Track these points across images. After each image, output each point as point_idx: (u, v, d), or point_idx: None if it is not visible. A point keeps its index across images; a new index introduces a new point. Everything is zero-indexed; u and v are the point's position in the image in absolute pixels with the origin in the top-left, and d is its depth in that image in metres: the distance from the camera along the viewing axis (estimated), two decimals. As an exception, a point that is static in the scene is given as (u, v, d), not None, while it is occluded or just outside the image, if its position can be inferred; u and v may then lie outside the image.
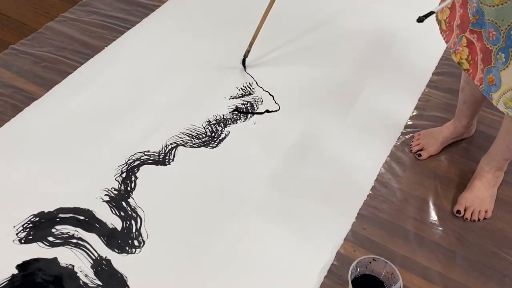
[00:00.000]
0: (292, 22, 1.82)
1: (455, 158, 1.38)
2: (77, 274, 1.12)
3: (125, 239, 1.19)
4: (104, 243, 1.18)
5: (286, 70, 1.64)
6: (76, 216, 1.24)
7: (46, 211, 1.24)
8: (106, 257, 1.16)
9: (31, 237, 1.19)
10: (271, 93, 1.56)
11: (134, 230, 1.21)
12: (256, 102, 1.54)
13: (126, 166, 1.35)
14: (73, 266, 1.14)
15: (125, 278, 1.12)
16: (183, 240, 1.20)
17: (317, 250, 1.18)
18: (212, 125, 1.46)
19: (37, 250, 1.16)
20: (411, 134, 1.44)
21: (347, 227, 1.22)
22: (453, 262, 1.16)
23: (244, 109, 1.51)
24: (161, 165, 1.36)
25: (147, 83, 1.60)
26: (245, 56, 1.63)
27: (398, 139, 1.44)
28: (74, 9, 1.90)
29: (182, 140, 1.42)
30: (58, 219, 1.23)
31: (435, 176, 1.34)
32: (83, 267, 1.14)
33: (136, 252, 1.17)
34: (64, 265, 1.14)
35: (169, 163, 1.36)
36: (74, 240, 1.19)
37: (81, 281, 1.11)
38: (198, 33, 1.79)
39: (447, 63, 1.66)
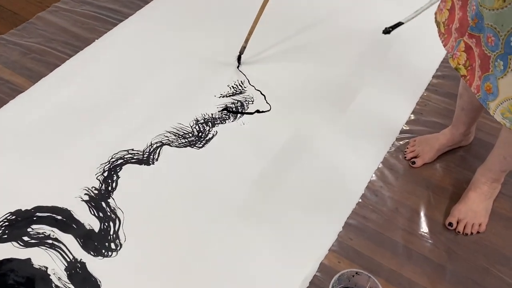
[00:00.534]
0: (290, 19, 1.76)
1: (451, 167, 1.32)
2: (50, 277, 1.09)
3: (101, 241, 1.15)
4: (80, 245, 1.15)
5: (279, 69, 1.59)
6: (54, 215, 1.20)
7: (23, 209, 1.21)
8: (81, 259, 1.12)
9: (6, 236, 1.15)
10: (263, 93, 1.51)
11: (111, 232, 1.17)
12: (246, 102, 1.49)
13: (109, 165, 1.31)
14: (46, 268, 1.10)
15: (99, 283, 1.08)
16: (162, 245, 1.15)
17: (301, 259, 1.13)
18: (199, 124, 1.42)
19: (11, 250, 1.13)
20: (407, 140, 1.38)
21: (333, 237, 1.17)
22: (442, 278, 1.10)
23: (234, 109, 1.46)
24: (144, 164, 1.32)
25: (135, 78, 1.55)
26: (241, 52, 1.58)
27: (392, 144, 1.38)
28: (67, -1, 1.86)
29: (168, 139, 1.38)
30: (35, 218, 1.20)
31: (428, 185, 1.28)
32: (56, 270, 1.10)
33: (112, 256, 1.13)
34: (38, 267, 1.10)
35: (153, 163, 1.32)
36: (50, 241, 1.15)
37: (53, 284, 1.08)
38: (192, 28, 1.73)
39: (448, 66, 1.59)
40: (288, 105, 1.48)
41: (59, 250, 1.14)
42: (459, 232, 1.18)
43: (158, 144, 1.36)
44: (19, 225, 1.18)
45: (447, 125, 1.38)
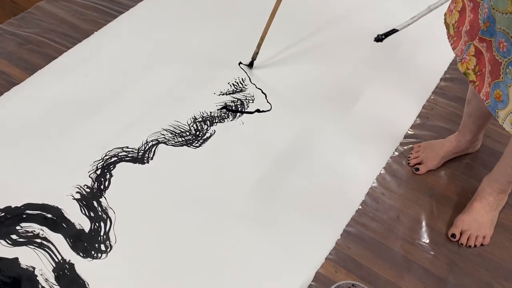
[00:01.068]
0: (294, 20, 1.70)
1: (456, 175, 1.27)
2: (37, 278, 1.06)
3: (91, 242, 1.12)
4: (70, 245, 1.11)
5: (282, 68, 1.53)
6: (44, 213, 1.17)
7: (13, 206, 1.18)
8: (69, 260, 1.09)
9: (-6, 233, 1.13)
10: (263, 91, 1.46)
11: (102, 233, 1.14)
12: (247, 100, 1.44)
13: (102, 162, 1.27)
14: (34, 268, 1.07)
15: (86, 286, 1.05)
16: (154, 248, 1.12)
17: (296, 267, 1.09)
18: (197, 123, 1.37)
19: (-2, 248, 1.10)
20: (411, 145, 1.33)
21: (330, 244, 1.13)
22: (442, 292, 1.06)
23: (233, 107, 1.42)
24: (139, 163, 1.28)
25: (133, 73, 1.51)
26: (253, 58, 1.51)
27: (396, 149, 1.33)
28: (67, -12, 1.81)
29: (164, 137, 1.34)
30: (24, 216, 1.16)
31: (431, 193, 1.23)
32: (44, 270, 1.07)
33: (102, 258, 1.10)
34: (25, 267, 1.07)
35: (148, 162, 1.28)
36: (39, 240, 1.12)
37: (40, 286, 1.04)
38: (194, 22, 1.69)
39: (457, 69, 1.52)
40: (289, 105, 1.43)
41: (47, 250, 1.10)
42: (462, 244, 1.13)
43: (153, 142, 1.32)
44: (8, 222, 1.15)
45: (454, 131, 1.33)
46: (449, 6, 1.09)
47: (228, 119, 1.39)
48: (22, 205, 1.18)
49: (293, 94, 1.46)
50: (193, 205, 1.20)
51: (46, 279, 1.06)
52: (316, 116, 1.40)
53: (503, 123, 0.94)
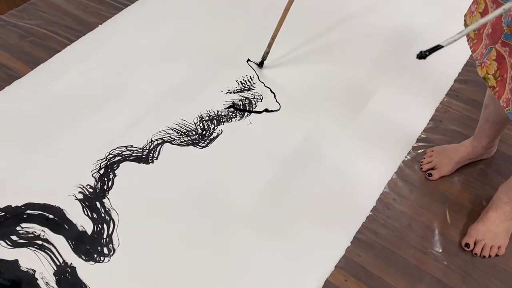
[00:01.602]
0: (303, 18, 1.65)
1: (470, 182, 1.23)
2: (38, 281, 1.03)
3: (94, 245, 1.09)
4: (71, 248, 1.08)
5: (291, 67, 1.49)
6: (45, 214, 1.13)
7: (13, 206, 1.14)
8: (71, 264, 1.05)
9: (-7, 234, 1.09)
10: (272, 90, 1.42)
11: (105, 236, 1.10)
12: (255, 99, 1.40)
13: (106, 161, 1.24)
14: (34, 271, 1.04)
15: (88, 291, 1.02)
16: (158, 252, 1.08)
17: (304, 275, 1.06)
18: (204, 122, 1.33)
19: (-2, 250, 1.07)
20: (423, 150, 1.29)
21: (340, 252, 1.10)
22: (455, 304, 1.03)
23: (241, 106, 1.38)
24: (143, 163, 1.24)
25: (139, 68, 1.47)
26: (264, 58, 1.46)
27: (408, 153, 1.29)
28: (71, -21, 1.76)
29: (170, 137, 1.30)
30: (25, 216, 1.13)
31: (445, 200, 1.19)
32: (45, 274, 1.04)
33: (105, 261, 1.06)
34: (25, 269, 1.04)
35: (153, 162, 1.24)
36: (40, 242, 1.09)
37: (40, 290, 1.02)
38: (202, 18, 1.64)
39: (472, 70, 1.49)
40: (298, 106, 1.39)
41: (49, 252, 1.07)
42: (476, 254, 1.10)
43: (159, 141, 1.29)
44: (8, 222, 1.11)
45: (468, 135, 1.29)
46: (469, 7, 1.04)
47: (235, 118, 1.35)
48: (23, 205, 1.15)
49: (302, 94, 1.42)
50: (198, 207, 1.16)
51: (46, 282, 1.02)
52: (326, 117, 1.36)
53: (524, 131, 0.90)
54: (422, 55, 0.58)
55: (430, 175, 1.24)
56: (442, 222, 1.16)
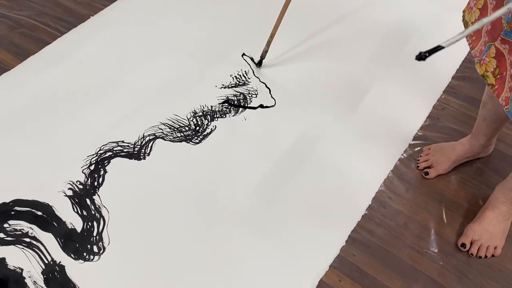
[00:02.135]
0: (300, 15, 1.61)
1: (467, 181, 1.21)
2: (25, 280, 1.00)
3: (83, 243, 1.06)
4: (60, 246, 1.06)
5: (287, 64, 1.46)
6: (34, 210, 1.11)
7: (1, 202, 1.11)
8: (60, 262, 1.03)
9: (-20, 231, 1.07)
10: (268, 85, 1.39)
11: (95, 234, 1.08)
12: (250, 95, 1.37)
13: (96, 157, 1.21)
14: (21, 270, 1.02)
15: (77, 290, 1.00)
16: (149, 251, 1.06)
17: (298, 275, 1.04)
18: (197, 117, 1.31)
19: (-15, 248, 1.04)
20: (420, 148, 1.28)
21: (334, 252, 1.08)
22: (450, 305, 1.02)
23: (236, 102, 1.35)
24: (135, 159, 1.22)
25: (131, 62, 1.43)
26: (262, 57, 1.42)
27: (404, 151, 1.27)
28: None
29: (162, 132, 1.27)
30: (13, 213, 1.10)
31: (441, 199, 1.18)
32: (32, 272, 1.01)
33: (94, 260, 1.04)
34: (12, 268, 1.02)
35: (144, 158, 1.22)
36: (28, 239, 1.06)
37: (28, 289, 0.99)
38: (197, 10, 1.61)
39: (470, 67, 1.47)
40: (294, 102, 1.36)
41: (37, 250, 1.05)
42: (472, 254, 1.08)
43: (151, 137, 1.26)
44: (-5, 219, 1.09)
45: (465, 133, 1.28)
46: (468, 3, 1.02)
47: (230, 114, 1.32)
48: (11, 201, 1.12)
49: (298, 91, 1.39)
50: (191, 205, 1.14)
51: (34, 281, 1.00)
52: (321, 114, 1.33)
53: (524, 131, 0.88)
54: (421, 56, 0.55)
55: (427, 173, 1.22)
56: (438, 222, 1.14)
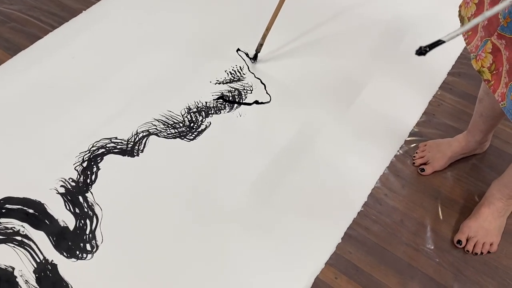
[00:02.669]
0: (298, 9, 1.60)
1: (462, 177, 1.21)
2: (17, 279, 0.99)
3: (76, 241, 1.05)
4: (52, 244, 1.04)
5: (282, 59, 1.44)
6: (25, 208, 1.09)
7: (-9, 200, 1.10)
8: (52, 261, 1.01)
9: (-30, 229, 1.05)
10: (263, 81, 1.38)
11: (88, 232, 1.06)
12: (245, 91, 1.36)
13: (89, 154, 1.19)
14: (13, 268, 1.00)
15: (70, 289, 0.98)
16: (143, 249, 1.05)
17: (294, 273, 1.03)
18: (191, 114, 1.29)
19: (-25, 246, 1.02)
20: (416, 144, 1.27)
21: (330, 249, 1.07)
22: (446, 302, 1.01)
23: (231, 98, 1.34)
24: (128, 155, 1.20)
25: (124, 57, 1.41)
26: (257, 50, 1.40)
27: (400, 148, 1.26)
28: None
29: (156, 129, 1.25)
30: (3, 210, 1.08)
31: (437, 196, 1.17)
32: (24, 271, 1.00)
33: (87, 258, 1.02)
34: (3, 267, 1.00)
35: (138, 155, 1.20)
36: (19, 238, 1.04)
37: (19, 288, 0.98)
38: (191, 4, 1.58)
39: (466, 63, 1.46)
40: (289, 98, 1.35)
41: (28, 248, 1.03)
42: (468, 251, 1.08)
43: (144, 134, 1.24)
44: (-15, 217, 1.07)
45: (461, 129, 1.27)
46: (465, -3, 1.01)
47: (224, 110, 1.31)
48: (1, 199, 1.10)
49: (293, 87, 1.38)
50: (185, 202, 1.13)
51: (26, 280, 0.98)
52: (317, 110, 1.32)
53: (521, 127, 0.88)
54: (421, 51, 0.54)
55: (423, 170, 1.22)
56: (434, 218, 1.13)
